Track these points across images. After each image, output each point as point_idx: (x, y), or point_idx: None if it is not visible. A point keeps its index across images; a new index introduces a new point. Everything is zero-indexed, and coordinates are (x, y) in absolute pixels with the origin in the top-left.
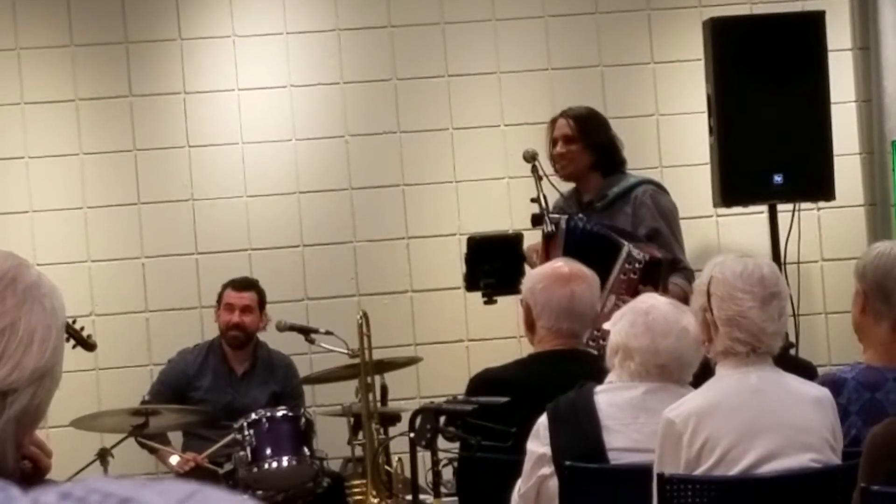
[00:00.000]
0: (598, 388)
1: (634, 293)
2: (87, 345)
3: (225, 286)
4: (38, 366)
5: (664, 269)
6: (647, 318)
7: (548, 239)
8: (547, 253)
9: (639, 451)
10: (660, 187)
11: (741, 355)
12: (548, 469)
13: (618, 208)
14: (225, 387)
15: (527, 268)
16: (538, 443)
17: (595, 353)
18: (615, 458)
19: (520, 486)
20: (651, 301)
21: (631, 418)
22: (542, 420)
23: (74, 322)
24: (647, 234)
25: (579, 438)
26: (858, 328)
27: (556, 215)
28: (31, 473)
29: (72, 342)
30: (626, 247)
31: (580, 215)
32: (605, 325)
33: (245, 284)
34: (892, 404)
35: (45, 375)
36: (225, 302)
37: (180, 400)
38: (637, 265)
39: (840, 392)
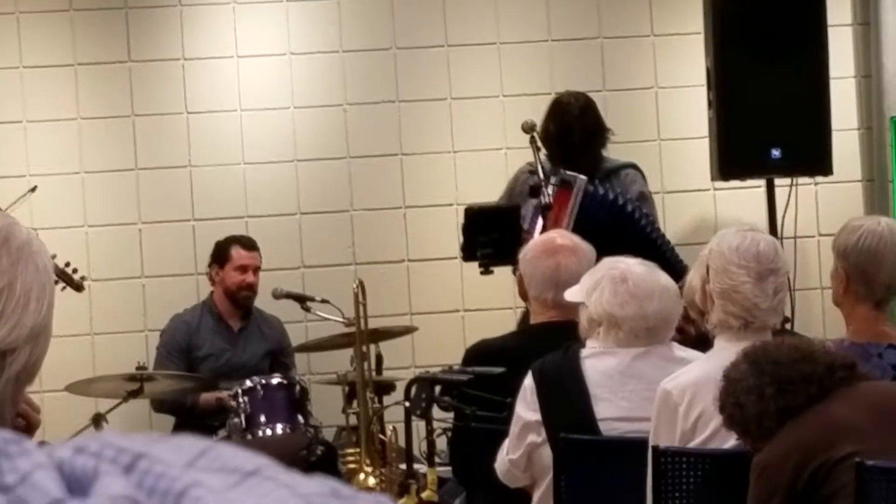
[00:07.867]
0: (585, 354)
1: None
2: (76, 285)
3: (228, 244)
4: (35, 324)
5: None
6: (627, 286)
7: (544, 210)
8: (556, 213)
9: (629, 419)
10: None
11: (734, 329)
12: (538, 437)
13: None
14: (224, 343)
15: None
16: (525, 407)
17: None
18: (606, 429)
19: (507, 450)
20: (621, 266)
21: (619, 386)
22: (529, 383)
23: (67, 265)
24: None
25: (569, 408)
26: (839, 305)
27: (573, 173)
28: (24, 430)
29: (61, 284)
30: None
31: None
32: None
33: (252, 244)
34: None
35: (40, 333)
36: (237, 263)
37: (188, 361)
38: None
39: None
